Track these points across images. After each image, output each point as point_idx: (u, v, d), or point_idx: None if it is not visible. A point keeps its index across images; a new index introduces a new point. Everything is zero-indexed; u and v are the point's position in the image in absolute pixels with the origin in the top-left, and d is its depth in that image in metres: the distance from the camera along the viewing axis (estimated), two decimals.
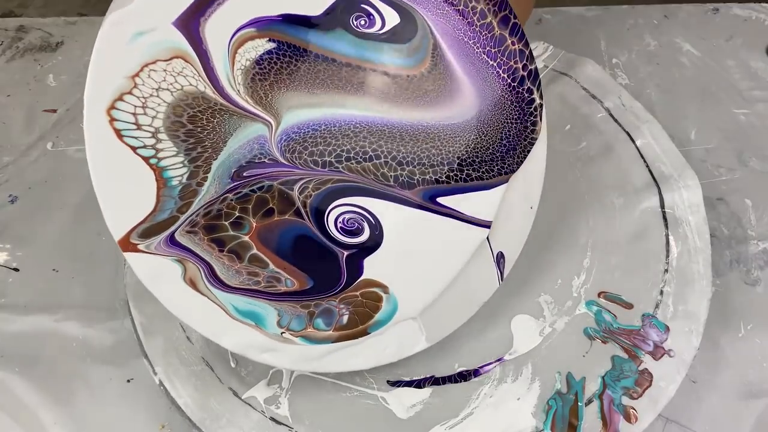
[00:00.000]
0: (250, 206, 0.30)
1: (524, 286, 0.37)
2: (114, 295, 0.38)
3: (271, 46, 0.29)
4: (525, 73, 0.30)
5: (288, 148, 0.30)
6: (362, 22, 0.29)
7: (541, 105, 0.30)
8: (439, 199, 0.31)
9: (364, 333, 0.31)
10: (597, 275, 0.37)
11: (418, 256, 0.31)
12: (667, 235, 0.37)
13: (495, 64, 0.29)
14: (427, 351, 0.33)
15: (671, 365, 0.33)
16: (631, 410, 0.32)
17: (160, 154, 0.28)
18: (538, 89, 0.30)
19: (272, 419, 0.33)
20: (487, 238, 0.32)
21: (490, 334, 0.35)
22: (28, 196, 0.43)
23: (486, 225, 0.31)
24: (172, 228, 0.29)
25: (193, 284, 0.30)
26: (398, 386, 0.34)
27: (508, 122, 0.30)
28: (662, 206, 0.38)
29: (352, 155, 0.30)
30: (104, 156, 0.28)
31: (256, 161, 0.30)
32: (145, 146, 0.28)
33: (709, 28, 0.52)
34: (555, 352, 0.34)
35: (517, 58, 0.29)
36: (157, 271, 0.29)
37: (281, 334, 0.31)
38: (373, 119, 0.30)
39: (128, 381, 0.35)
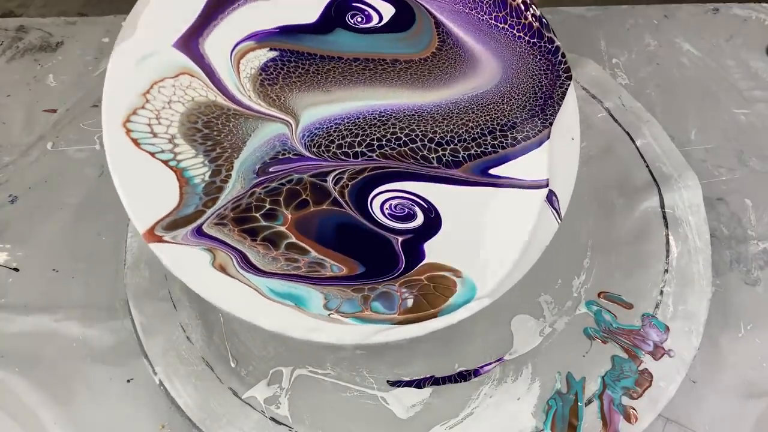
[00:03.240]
0: (282, 198, 0.30)
1: (524, 286, 0.36)
2: (114, 295, 0.38)
3: (273, 54, 0.30)
4: (538, 25, 0.29)
5: (313, 143, 0.30)
6: (359, 20, 0.29)
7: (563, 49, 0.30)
8: (492, 171, 0.30)
9: (434, 316, 0.30)
10: (597, 275, 0.37)
11: (483, 233, 0.30)
12: (667, 235, 0.37)
13: (506, 26, 0.29)
14: (426, 351, 0.32)
15: (671, 365, 0.33)
16: (631, 410, 0.32)
17: (179, 157, 0.30)
18: (554, 34, 0.30)
19: (272, 419, 0.33)
20: None
21: (490, 334, 0.35)
22: (28, 196, 0.43)
23: (544, 184, 0.30)
24: (199, 221, 0.29)
25: (222, 269, 0.29)
26: (398, 386, 0.34)
27: (537, 75, 0.30)
28: (662, 206, 0.38)
29: (384, 142, 0.30)
30: (124, 162, 0.29)
31: (281, 157, 0.30)
32: (162, 151, 0.29)
33: (709, 28, 0.52)
34: (555, 352, 0.34)
35: (525, 12, 0.29)
36: (183, 258, 0.29)
37: (329, 315, 0.30)
38: (398, 106, 0.30)
39: (128, 381, 0.35)
